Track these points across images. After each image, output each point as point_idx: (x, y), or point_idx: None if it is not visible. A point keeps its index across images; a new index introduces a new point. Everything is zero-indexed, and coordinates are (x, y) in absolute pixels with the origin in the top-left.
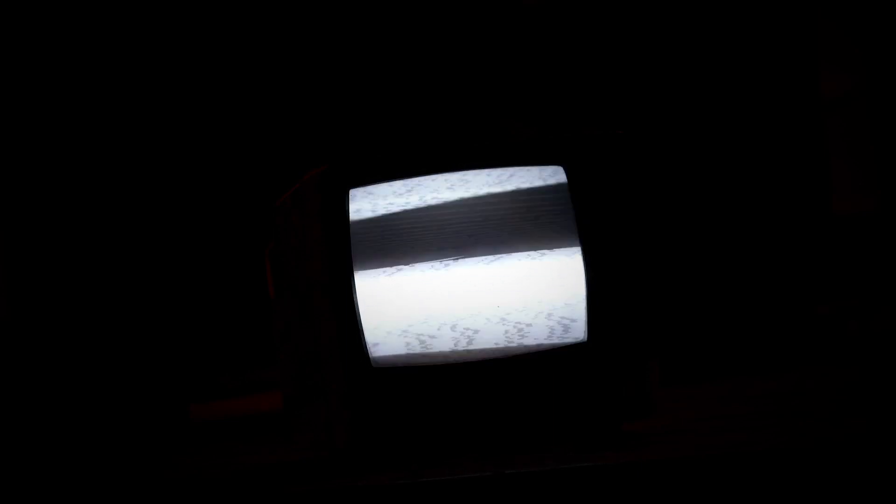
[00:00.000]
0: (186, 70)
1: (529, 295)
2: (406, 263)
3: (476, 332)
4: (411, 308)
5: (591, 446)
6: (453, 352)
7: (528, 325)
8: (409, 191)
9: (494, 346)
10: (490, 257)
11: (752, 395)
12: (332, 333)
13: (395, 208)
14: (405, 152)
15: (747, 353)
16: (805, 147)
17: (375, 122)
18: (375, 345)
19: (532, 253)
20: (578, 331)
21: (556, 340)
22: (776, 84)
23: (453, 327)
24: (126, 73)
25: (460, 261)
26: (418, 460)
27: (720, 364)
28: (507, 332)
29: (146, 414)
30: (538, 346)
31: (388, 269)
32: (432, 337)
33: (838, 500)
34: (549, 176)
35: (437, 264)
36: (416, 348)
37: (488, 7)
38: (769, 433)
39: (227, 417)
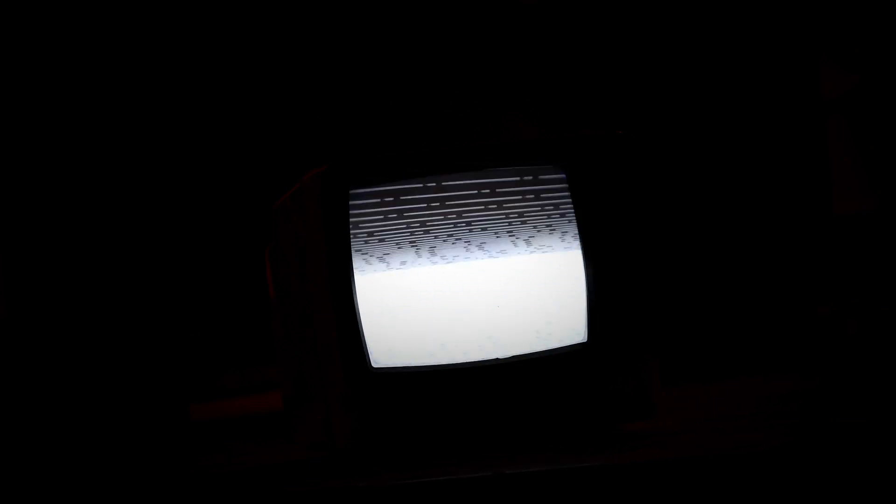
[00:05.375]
0: (186, 71)
1: (530, 295)
2: (406, 264)
3: (476, 332)
4: (411, 309)
5: (591, 447)
6: (453, 353)
7: (528, 325)
8: (409, 191)
9: (494, 347)
10: (490, 257)
11: (752, 394)
12: (331, 334)
13: (396, 208)
14: (405, 152)
15: (748, 353)
16: (805, 147)
17: (376, 122)
18: (375, 345)
19: (532, 253)
20: (578, 331)
21: (556, 341)
22: (776, 84)
23: (454, 328)
24: (126, 73)
25: (460, 261)
26: (418, 461)
27: (721, 364)
28: (507, 332)
29: (146, 414)
30: (538, 346)
31: (389, 270)
32: (432, 338)
33: (839, 500)
34: (550, 176)
35: (436, 265)
36: (416, 349)
37: (490, 8)
38: (769, 433)
39: (227, 417)
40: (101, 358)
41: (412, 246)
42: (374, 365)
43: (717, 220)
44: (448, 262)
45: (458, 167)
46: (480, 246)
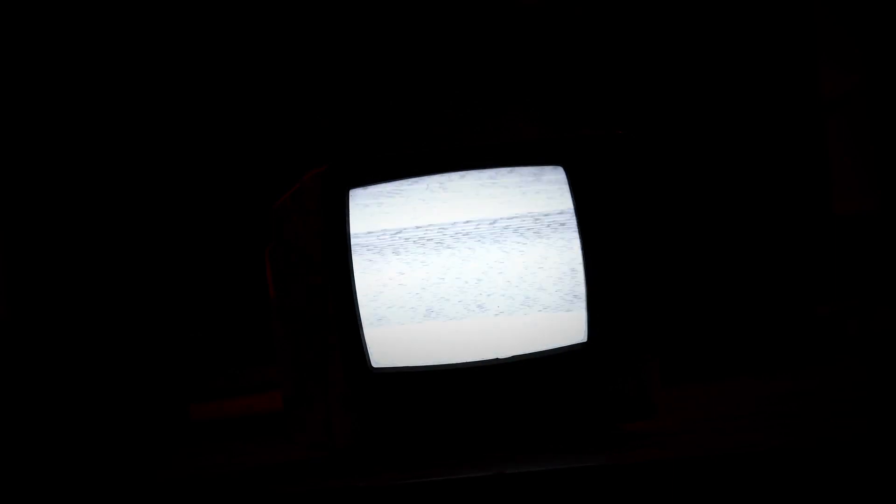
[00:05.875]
0: (186, 71)
1: (529, 295)
2: (405, 263)
3: (476, 332)
4: (411, 309)
5: (591, 447)
6: (453, 353)
7: (529, 324)
8: (409, 190)
9: (494, 347)
10: (490, 257)
11: (752, 395)
12: (331, 334)
13: (396, 208)
14: (406, 152)
15: (748, 353)
16: (805, 147)
17: (376, 122)
18: (375, 345)
19: (533, 253)
20: (578, 331)
21: (556, 341)
22: (776, 84)
23: (453, 328)
24: (126, 73)
25: (461, 261)
26: (418, 461)
27: (721, 364)
28: (506, 331)
29: (146, 414)
30: (538, 346)
31: (388, 270)
32: (432, 338)
33: (839, 500)
34: (549, 175)
35: (437, 265)
36: (416, 349)
37: (490, 8)
38: (769, 433)
39: (227, 417)
40: (100, 358)
41: (412, 245)
42: (374, 365)
43: (716, 221)
44: (448, 262)
45: (458, 167)
46: (481, 245)
